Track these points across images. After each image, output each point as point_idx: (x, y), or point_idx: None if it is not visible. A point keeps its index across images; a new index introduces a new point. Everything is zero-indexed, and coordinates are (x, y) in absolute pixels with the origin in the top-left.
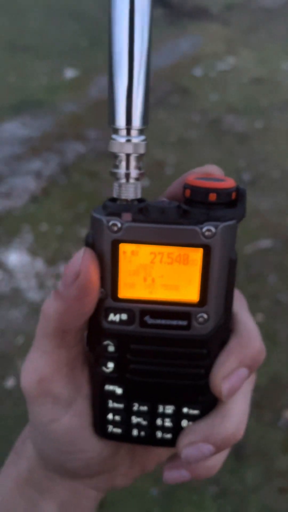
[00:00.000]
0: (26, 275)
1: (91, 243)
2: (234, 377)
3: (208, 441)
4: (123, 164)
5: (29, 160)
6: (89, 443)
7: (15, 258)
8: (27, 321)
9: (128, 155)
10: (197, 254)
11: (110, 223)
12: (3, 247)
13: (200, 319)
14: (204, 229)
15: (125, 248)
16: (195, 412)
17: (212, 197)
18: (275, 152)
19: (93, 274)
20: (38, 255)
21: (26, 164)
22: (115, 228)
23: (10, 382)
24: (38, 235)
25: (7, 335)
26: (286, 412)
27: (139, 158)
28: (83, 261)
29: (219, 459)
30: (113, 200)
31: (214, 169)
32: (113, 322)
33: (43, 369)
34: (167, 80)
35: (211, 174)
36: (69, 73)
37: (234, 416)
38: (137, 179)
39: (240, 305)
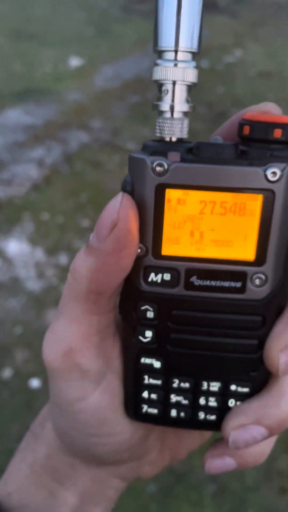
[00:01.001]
0: (26, 264)
1: (129, 190)
2: None
3: (261, 423)
4: (169, 95)
5: (31, 148)
6: (119, 425)
7: (15, 246)
8: (26, 311)
9: (174, 83)
10: (256, 203)
11: (155, 163)
12: (3, 235)
13: (257, 281)
14: (268, 171)
15: (170, 195)
16: (245, 390)
17: (277, 133)
18: None
19: (133, 222)
20: (38, 245)
21: (28, 152)
22: (161, 170)
23: (7, 373)
24: (39, 224)
25: (5, 325)
26: None
27: (188, 88)
28: (121, 207)
29: (269, 444)
30: (156, 141)
31: (272, 107)
32: (153, 283)
33: (70, 338)
34: None
35: (270, 113)
36: (74, 61)
37: None
38: (185, 114)
39: None
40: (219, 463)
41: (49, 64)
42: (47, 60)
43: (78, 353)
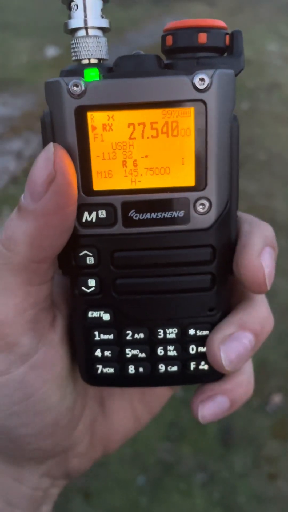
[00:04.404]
0: None
1: (48, 122)
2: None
3: (246, 328)
4: (80, 9)
5: (9, 140)
6: (46, 404)
7: None
8: None
9: None
10: (188, 119)
11: (71, 83)
12: None
13: (200, 208)
14: (195, 79)
15: (94, 121)
16: (205, 333)
17: (202, 38)
18: (262, 134)
19: (73, 174)
20: None
21: (6, 144)
22: (78, 90)
23: None
24: None
25: None
26: (274, 397)
27: (102, 3)
28: (57, 158)
29: (251, 371)
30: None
31: None
32: (89, 224)
33: (1, 310)
34: None
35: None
36: (51, 51)
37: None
38: (102, 31)
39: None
40: (212, 406)
41: (25, 54)
42: (23, 50)
43: (7, 326)
